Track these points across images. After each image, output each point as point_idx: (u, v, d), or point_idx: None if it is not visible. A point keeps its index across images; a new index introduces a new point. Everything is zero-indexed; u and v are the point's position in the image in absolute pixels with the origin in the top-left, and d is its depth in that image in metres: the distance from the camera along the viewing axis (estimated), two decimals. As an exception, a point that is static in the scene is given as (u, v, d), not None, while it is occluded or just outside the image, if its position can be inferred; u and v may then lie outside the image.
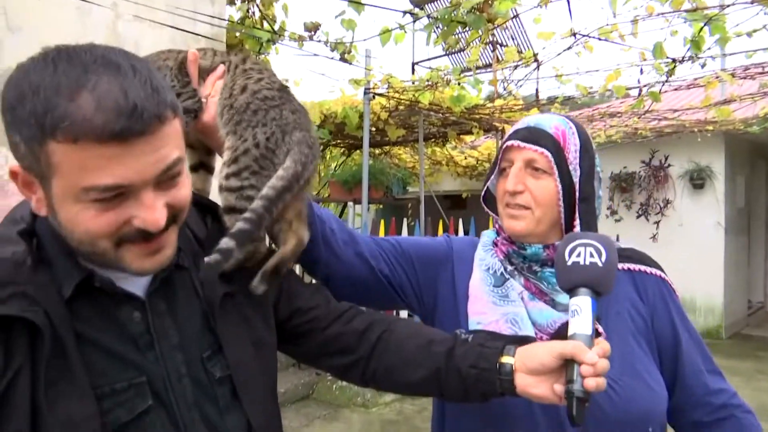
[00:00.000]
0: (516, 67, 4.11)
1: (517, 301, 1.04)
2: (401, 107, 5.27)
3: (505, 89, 5.09)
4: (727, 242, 7.49)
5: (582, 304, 0.85)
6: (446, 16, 2.45)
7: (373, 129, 5.84)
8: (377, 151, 7.74)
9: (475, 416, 1.04)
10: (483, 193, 1.18)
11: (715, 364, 1.09)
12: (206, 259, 0.81)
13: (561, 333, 0.94)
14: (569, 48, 3.26)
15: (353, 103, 5.38)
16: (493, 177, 1.14)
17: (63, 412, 0.67)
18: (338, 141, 7.01)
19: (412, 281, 1.14)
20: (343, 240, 1.09)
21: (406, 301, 1.15)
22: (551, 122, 1.07)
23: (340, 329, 0.98)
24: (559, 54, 3.27)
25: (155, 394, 0.75)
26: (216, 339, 0.83)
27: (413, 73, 7.56)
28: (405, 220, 5.59)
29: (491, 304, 1.05)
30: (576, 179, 1.05)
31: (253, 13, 3.55)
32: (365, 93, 4.86)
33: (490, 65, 7.35)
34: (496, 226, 1.16)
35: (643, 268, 1.10)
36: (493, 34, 5.57)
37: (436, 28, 2.68)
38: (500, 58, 4.75)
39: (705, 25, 3.02)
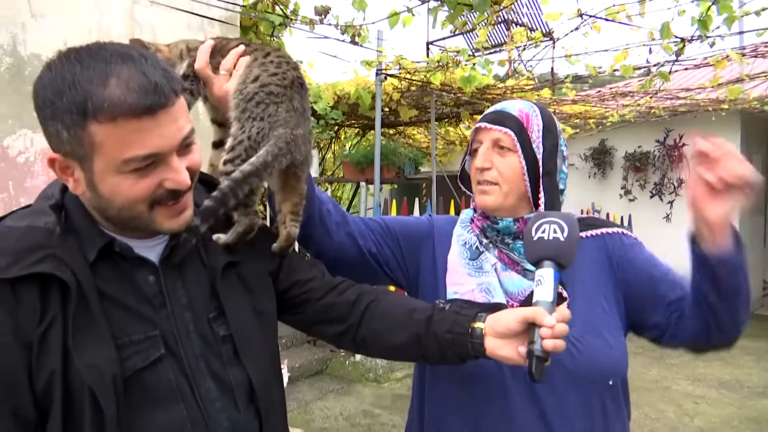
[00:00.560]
0: (524, 47, 4.13)
1: (491, 272, 1.15)
2: (413, 88, 5.31)
3: (515, 69, 5.11)
4: (742, 222, 7.45)
5: (545, 275, 0.94)
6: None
7: (386, 109, 5.90)
8: (391, 131, 7.80)
9: (453, 380, 1.15)
10: (459, 173, 1.29)
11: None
12: (182, 236, 0.92)
13: (529, 300, 1.02)
14: (577, 29, 3.28)
15: (366, 84, 5.44)
16: (467, 158, 1.25)
17: (88, 356, 0.79)
18: (352, 121, 7.08)
19: (397, 257, 1.25)
20: (336, 221, 1.19)
21: (392, 276, 1.27)
22: (516, 106, 1.19)
23: (333, 300, 1.08)
24: (566, 34, 3.30)
25: (167, 345, 0.87)
26: (220, 303, 0.94)
27: (428, 52, 7.57)
28: (417, 199, 5.67)
29: (467, 275, 1.16)
30: (539, 156, 1.15)
31: (266, -4, 3.61)
32: (377, 74, 4.92)
33: (504, 43, 7.34)
34: (473, 204, 1.26)
35: (606, 230, 1.21)
36: (510, 11, 5.58)
37: (442, 10, 2.73)
38: (513, 39, 4.76)
39: (712, 4, 3.04)
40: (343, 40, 3.57)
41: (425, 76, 4.73)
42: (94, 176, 0.81)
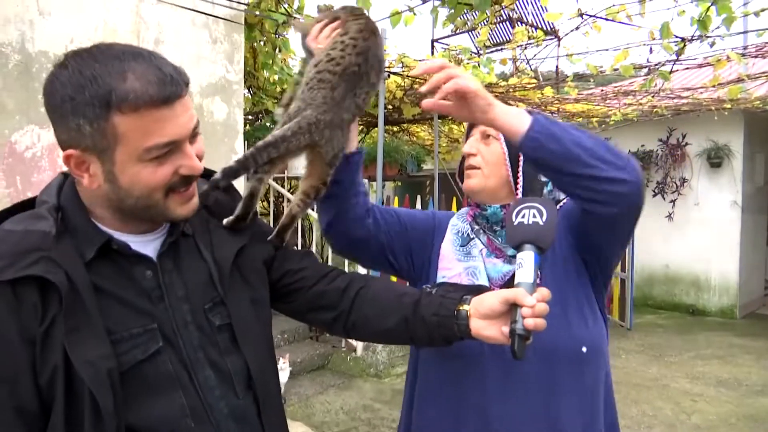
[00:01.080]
0: (525, 47, 4.15)
1: (478, 257, 1.23)
2: (416, 86, 5.35)
3: (517, 68, 5.14)
4: (744, 221, 7.46)
5: (526, 258, 0.99)
6: (452, -1, 2.54)
7: (390, 107, 5.93)
8: (395, 129, 7.83)
9: (442, 363, 1.21)
10: (458, 169, 1.35)
11: None
12: (205, 188, 0.99)
13: (510, 283, 1.08)
14: (577, 28, 3.31)
15: (369, 82, 5.47)
16: (463, 147, 1.33)
17: (82, 352, 0.82)
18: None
19: (405, 249, 1.31)
20: (360, 201, 1.24)
21: (396, 266, 1.31)
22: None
23: (324, 288, 1.12)
24: (567, 34, 3.33)
25: (165, 337, 0.91)
26: (217, 293, 0.98)
27: (432, 50, 7.59)
28: (419, 197, 5.70)
29: (456, 260, 1.24)
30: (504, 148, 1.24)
31: (270, -5, 3.66)
32: (380, 72, 4.95)
33: (509, 41, 7.36)
34: (468, 198, 1.35)
35: (563, 201, 1.28)
36: (513, 9, 5.60)
37: (443, 9, 2.76)
38: (516, 37, 4.79)
39: (712, 4, 3.06)
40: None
41: (428, 75, 4.75)
42: (114, 167, 0.85)
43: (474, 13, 2.93)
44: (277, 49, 5.19)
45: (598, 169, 1.02)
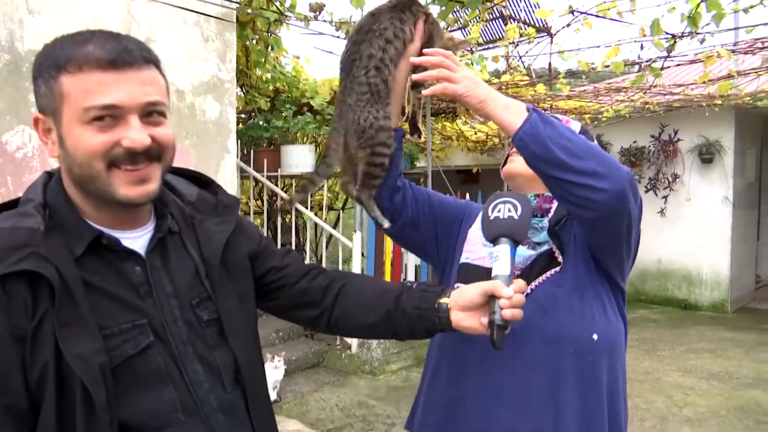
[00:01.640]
0: (517, 44, 4.16)
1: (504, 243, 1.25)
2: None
3: (509, 65, 5.15)
4: (736, 217, 7.52)
5: (502, 251, 1.03)
6: (443, -3, 2.55)
7: (382, 105, 5.92)
8: (388, 127, 7.82)
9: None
10: (502, 165, 1.39)
11: None
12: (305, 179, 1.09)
13: (529, 267, 1.20)
14: (568, 25, 3.32)
15: (362, 80, 5.47)
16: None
17: (74, 347, 0.82)
18: (349, 117, 7.10)
19: (430, 229, 1.35)
20: (393, 174, 1.29)
21: (418, 242, 1.37)
22: (561, 115, 1.36)
23: (307, 285, 1.14)
24: (558, 31, 3.34)
25: (155, 332, 0.92)
26: (205, 289, 0.99)
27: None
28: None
29: (482, 245, 1.27)
30: None
31: (262, -7, 3.66)
32: (373, 69, 4.94)
33: (501, 39, 7.36)
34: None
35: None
36: (504, 6, 5.60)
37: (434, 6, 2.77)
38: (507, 34, 4.79)
39: (702, 1, 3.08)
40: (338, 37, 3.61)
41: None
42: (62, 129, 0.86)
43: (465, 11, 2.93)
44: (270, 48, 5.19)
45: (576, 175, 1.04)
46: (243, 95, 5.57)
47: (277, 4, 3.76)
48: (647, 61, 3.90)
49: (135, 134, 0.86)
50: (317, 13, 3.27)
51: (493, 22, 6.14)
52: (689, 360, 5.40)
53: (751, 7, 3.13)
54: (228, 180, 3.92)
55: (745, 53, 3.93)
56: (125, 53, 0.85)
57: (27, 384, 0.82)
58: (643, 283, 8.01)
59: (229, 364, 0.98)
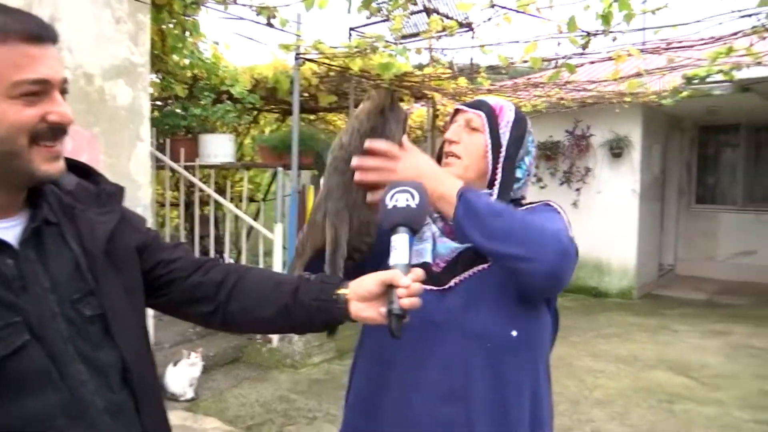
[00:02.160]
0: (440, 36, 4.20)
1: (428, 239, 1.26)
2: (332, 73, 5.29)
3: (432, 57, 5.19)
4: (642, 208, 7.97)
5: (400, 240, 1.03)
6: (366, -15, 2.51)
7: (305, 95, 5.83)
8: (311, 117, 7.72)
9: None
10: (437, 154, 1.37)
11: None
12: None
13: (456, 259, 1.21)
14: (489, 19, 3.37)
15: (284, 68, 5.36)
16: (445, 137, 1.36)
17: None
18: (271, 106, 6.96)
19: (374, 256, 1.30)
20: None
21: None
22: (495, 100, 1.33)
23: (200, 279, 1.09)
24: (478, 25, 3.39)
25: (31, 331, 0.84)
26: (87, 283, 0.92)
27: (350, 38, 7.52)
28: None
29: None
30: (504, 141, 1.27)
31: (177, -27, 3.48)
32: (295, 58, 4.85)
33: (424, 31, 7.41)
34: None
35: (535, 203, 1.32)
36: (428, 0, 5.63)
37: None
38: (430, 26, 4.82)
39: (614, 1, 3.21)
40: (259, 22, 3.51)
41: (344, 61, 4.72)
42: None
43: (388, 1, 2.91)
44: (187, 32, 4.97)
45: (504, 258, 1.11)
46: (159, 81, 5.31)
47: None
48: (563, 58, 4.03)
49: (62, 109, 0.86)
50: (236, -4, 3.16)
51: (417, 15, 6.17)
52: (599, 345, 5.67)
53: (659, 9, 3.29)
54: (142, 170, 3.72)
55: (652, 53, 4.14)
56: (46, 28, 0.85)
57: None
58: (558, 273, 8.34)
59: (116, 363, 0.92)
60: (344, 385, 1.44)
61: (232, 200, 5.74)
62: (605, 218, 7.91)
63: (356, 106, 6.72)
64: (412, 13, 4.83)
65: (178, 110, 5.66)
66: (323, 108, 6.84)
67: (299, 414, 4.02)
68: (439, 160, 1.36)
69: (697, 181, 9.55)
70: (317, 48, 4.58)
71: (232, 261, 6.32)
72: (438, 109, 6.84)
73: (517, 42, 3.90)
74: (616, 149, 7.77)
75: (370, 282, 1.01)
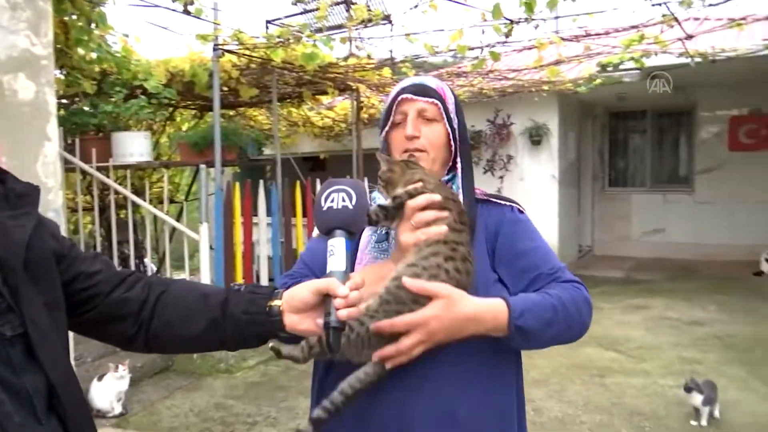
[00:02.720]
0: (364, 26, 4.13)
1: (393, 249, 1.17)
2: (253, 65, 5.10)
3: (356, 48, 5.12)
4: (561, 193, 8.27)
5: (337, 245, 0.95)
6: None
7: (225, 89, 5.61)
8: (231, 113, 7.46)
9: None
10: (382, 148, 1.28)
11: (558, 265, 1.22)
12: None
13: None
14: (416, 6, 3.34)
15: (202, 61, 5.12)
16: (385, 131, 1.25)
17: None
18: (188, 102, 6.65)
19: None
20: None
21: None
22: (432, 81, 1.25)
23: (123, 295, 0.98)
24: (405, 13, 3.35)
25: None
26: (4, 299, 0.79)
27: (267, 31, 7.32)
28: (261, 182, 5.49)
29: (372, 259, 1.18)
30: (456, 126, 1.22)
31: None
32: (214, 49, 4.64)
33: (349, 21, 7.32)
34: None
35: (501, 202, 1.28)
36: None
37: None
38: (354, 17, 4.75)
39: (537, -12, 3.26)
40: (174, 10, 3.31)
41: (265, 52, 4.55)
42: None
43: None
44: (93, 24, 4.63)
45: (555, 341, 1.14)
46: (64, 77, 4.93)
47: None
48: (487, 46, 4.07)
49: None
50: (149, -19, 2.95)
51: (340, 6, 6.08)
52: (530, 327, 5.81)
53: (578, -3, 3.38)
54: (50, 172, 3.42)
55: (572, 41, 4.26)
56: None
57: None
58: (485, 259, 8.53)
59: (42, 389, 0.80)
60: (283, 387, 1.33)
61: (150, 202, 5.45)
62: (528, 204, 7.95)
63: (279, 99, 6.57)
64: (335, 3, 4.74)
65: (86, 108, 5.28)
66: (244, 103, 6.61)
67: (238, 420, 3.86)
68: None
69: (609, 166, 10.02)
70: (237, 38, 4.40)
71: (153, 267, 6.02)
72: (362, 101, 6.78)
73: (443, 30, 3.90)
74: (536, 137, 8.01)
75: (304, 291, 0.93)
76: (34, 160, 3.33)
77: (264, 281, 5.41)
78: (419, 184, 1.12)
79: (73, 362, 0.95)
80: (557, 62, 4.73)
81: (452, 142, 1.22)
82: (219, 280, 4.76)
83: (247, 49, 4.62)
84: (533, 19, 3.55)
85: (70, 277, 0.93)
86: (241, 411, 3.98)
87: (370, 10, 4.99)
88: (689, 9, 3.69)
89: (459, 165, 1.23)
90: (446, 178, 1.24)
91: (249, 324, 0.96)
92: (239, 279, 5.04)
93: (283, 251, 5.50)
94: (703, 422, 3.53)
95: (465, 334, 1.04)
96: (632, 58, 4.90)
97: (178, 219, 5.94)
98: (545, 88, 6.35)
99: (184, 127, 7.40)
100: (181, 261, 5.13)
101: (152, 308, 0.98)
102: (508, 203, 1.28)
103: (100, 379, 3.85)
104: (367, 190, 1.04)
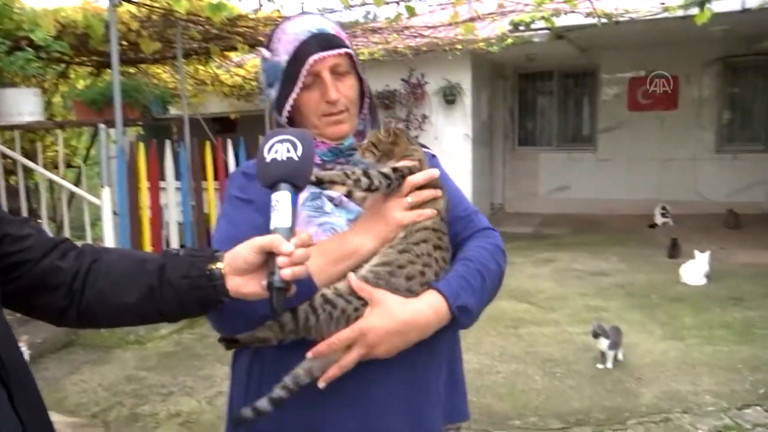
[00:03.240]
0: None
1: (333, 211, 1.09)
2: (154, 17, 4.75)
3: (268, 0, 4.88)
4: (474, 152, 8.43)
5: (281, 199, 0.89)
6: None
7: (125, 43, 5.20)
8: (132, 70, 6.96)
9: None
10: (288, 111, 1.13)
11: (471, 207, 1.23)
12: None
13: None
14: (329, -45, 3.18)
15: (96, 11, 4.69)
16: (294, 94, 1.10)
17: None
18: (84, 58, 6.13)
19: None
20: None
21: None
22: (327, 25, 1.11)
23: (55, 263, 0.89)
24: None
25: None
26: None
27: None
28: (167, 142, 5.18)
29: (306, 218, 1.07)
30: (361, 74, 1.15)
31: None
32: (109, -2, 4.27)
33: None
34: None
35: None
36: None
37: None
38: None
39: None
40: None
41: (168, 2, 4.23)
42: None
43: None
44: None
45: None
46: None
47: None
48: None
49: None
50: None
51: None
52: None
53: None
54: None
55: (484, -3, 4.25)
56: None
57: None
58: (402, 219, 8.61)
59: None
60: (199, 355, 1.25)
61: (45, 167, 5.02)
62: (443, 163, 8.16)
63: (185, 55, 6.19)
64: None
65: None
66: (146, 59, 6.18)
67: (152, 392, 3.71)
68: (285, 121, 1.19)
69: (519, 126, 10.30)
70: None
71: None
72: (274, 59, 6.50)
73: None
74: (450, 96, 8.07)
75: (246, 250, 0.86)
76: None
77: (175, 248, 5.17)
78: (416, 163, 1.06)
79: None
80: (472, 19, 4.72)
81: (365, 92, 1.16)
82: (124, 245, 4.49)
83: (147, -2, 4.28)
84: (449, -27, 3.49)
85: None
86: (155, 382, 3.82)
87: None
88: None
89: (366, 117, 1.19)
90: (359, 128, 1.18)
91: (189, 289, 0.89)
92: (147, 246, 4.78)
93: (194, 216, 5.25)
94: (609, 365, 3.76)
95: (410, 342, 1.00)
96: (543, 17, 4.98)
97: (77, 184, 5.51)
98: (459, 47, 6.36)
99: (81, 86, 6.84)
100: (82, 231, 4.79)
101: (84, 277, 0.90)
102: (423, 149, 1.23)
103: (-6, 357, 3.56)
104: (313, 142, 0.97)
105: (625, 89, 9.39)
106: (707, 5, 4.44)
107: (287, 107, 1.11)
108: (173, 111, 6.48)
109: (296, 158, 0.90)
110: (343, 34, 1.13)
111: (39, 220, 5.12)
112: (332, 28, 1.11)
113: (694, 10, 4.70)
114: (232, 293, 0.88)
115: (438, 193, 1.08)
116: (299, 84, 1.08)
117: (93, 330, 4.49)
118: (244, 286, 0.87)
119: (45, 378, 3.88)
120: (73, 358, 4.25)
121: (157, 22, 4.84)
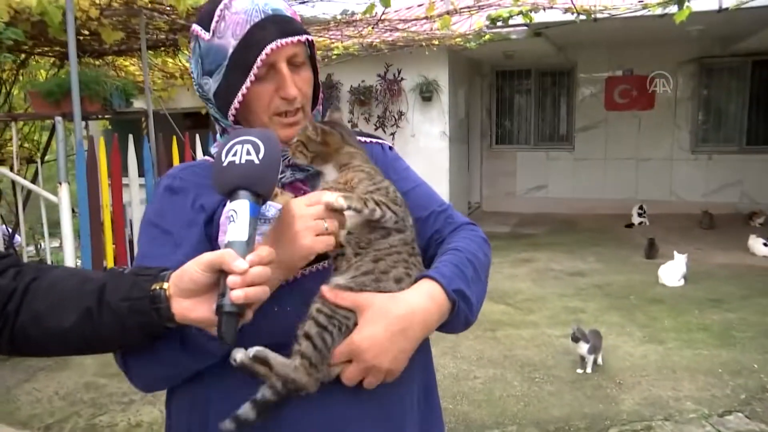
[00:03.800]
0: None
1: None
2: (115, 4, 4.50)
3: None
4: (451, 150, 8.31)
5: (239, 208, 0.76)
6: None
7: (86, 32, 4.94)
8: (96, 63, 6.67)
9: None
10: (235, 106, 0.94)
11: (444, 202, 1.13)
12: None
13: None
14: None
15: (54, -2, 4.43)
16: (244, 88, 0.92)
17: None
18: (45, 48, 5.84)
19: None
20: None
21: None
22: (280, 3, 0.94)
23: None
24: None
25: None
26: None
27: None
28: (131, 137, 4.94)
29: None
30: (317, 65, 1.02)
31: None
32: (67, -16, 4.02)
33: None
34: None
35: (366, 140, 1.10)
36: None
37: None
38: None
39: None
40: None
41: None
42: None
43: None
44: None
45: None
46: None
47: None
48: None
49: None
50: None
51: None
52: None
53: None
54: None
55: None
56: None
57: None
58: (378, 218, 8.45)
59: None
60: None
61: (2, 163, 4.75)
62: (420, 161, 8.06)
63: (152, 47, 5.94)
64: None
65: None
66: (111, 51, 5.91)
67: (112, 400, 3.51)
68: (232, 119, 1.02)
69: (496, 124, 10.21)
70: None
71: (19, 238, 5.33)
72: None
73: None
74: (426, 93, 7.93)
75: (193, 269, 0.74)
76: None
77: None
78: (373, 189, 0.91)
79: None
80: (449, 12, 4.58)
81: (318, 84, 1.03)
82: (85, 246, 4.26)
83: (108, -16, 4.05)
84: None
85: None
86: (116, 390, 3.62)
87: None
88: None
89: (319, 108, 1.06)
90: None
91: (129, 313, 0.77)
92: (109, 245, 4.55)
93: (161, 214, 5.02)
94: (588, 369, 3.66)
95: (416, 340, 0.88)
96: (521, 12, 4.86)
97: (34, 181, 5.24)
98: (435, 42, 6.22)
99: (42, 77, 6.53)
100: (39, 230, 4.54)
101: (21, 297, 0.80)
102: (376, 141, 1.12)
103: (-62, 366, 3.32)
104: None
105: (603, 88, 9.36)
106: (687, 3, 4.37)
107: (235, 103, 0.93)
108: (139, 105, 6.23)
109: (257, 161, 0.77)
110: (297, 17, 0.97)
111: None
112: (286, 9, 0.95)
113: (673, 9, 4.62)
114: (179, 318, 0.76)
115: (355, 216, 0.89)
116: (251, 76, 0.90)
117: (50, 335, 4.26)
118: (191, 310, 0.75)
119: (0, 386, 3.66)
120: (29, 365, 4.02)
121: (119, 10, 4.60)
